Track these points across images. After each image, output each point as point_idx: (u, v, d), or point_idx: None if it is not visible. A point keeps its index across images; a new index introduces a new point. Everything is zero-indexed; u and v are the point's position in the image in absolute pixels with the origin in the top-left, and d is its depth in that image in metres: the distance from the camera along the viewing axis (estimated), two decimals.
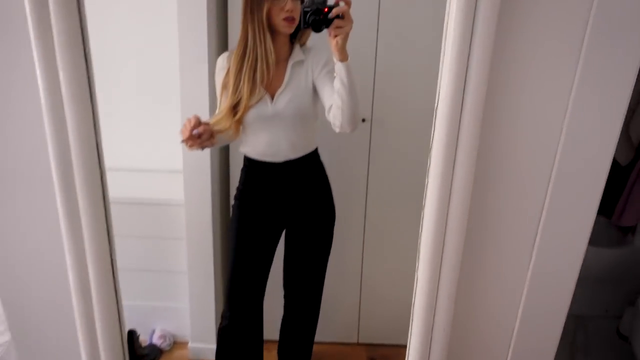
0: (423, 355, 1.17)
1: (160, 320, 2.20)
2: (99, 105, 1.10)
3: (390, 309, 2.14)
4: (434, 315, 1.14)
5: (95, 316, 1.21)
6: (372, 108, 1.88)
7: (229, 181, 2.00)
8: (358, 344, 2.23)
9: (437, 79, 1.01)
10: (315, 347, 1.89)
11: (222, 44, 1.84)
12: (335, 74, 1.35)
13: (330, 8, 1.26)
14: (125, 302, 1.30)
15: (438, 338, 1.16)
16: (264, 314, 1.74)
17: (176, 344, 2.20)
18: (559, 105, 1.02)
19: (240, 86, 1.44)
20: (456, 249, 1.07)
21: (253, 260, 1.62)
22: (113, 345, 1.25)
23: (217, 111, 1.52)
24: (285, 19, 1.39)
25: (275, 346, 1.90)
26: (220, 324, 1.68)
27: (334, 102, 1.39)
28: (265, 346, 1.82)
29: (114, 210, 1.20)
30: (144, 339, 2.13)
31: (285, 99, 1.47)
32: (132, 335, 1.98)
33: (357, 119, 1.41)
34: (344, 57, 1.30)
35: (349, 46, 1.30)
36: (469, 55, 0.93)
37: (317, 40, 1.52)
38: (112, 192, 1.20)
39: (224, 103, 1.48)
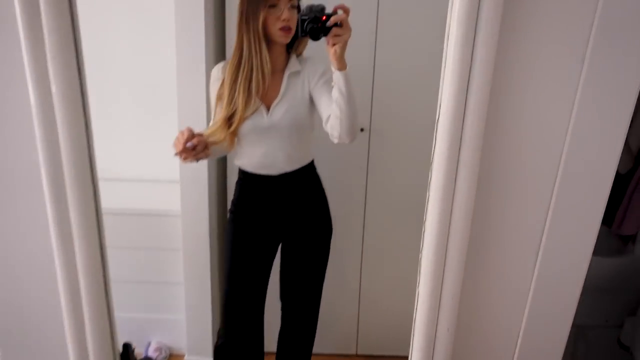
0: None
1: (156, 332, 2.17)
2: (96, 116, 1.09)
3: (389, 320, 2.13)
4: (436, 326, 1.12)
5: (86, 330, 1.18)
6: (370, 117, 1.87)
7: (226, 192, 1.99)
8: (357, 356, 2.22)
9: (437, 87, 0.99)
10: (313, 359, 1.87)
11: (219, 54, 1.83)
12: (333, 84, 1.33)
13: (329, 16, 1.25)
14: (120, 314, 1.28)
15: (440, 349, 1.14)
16: None
17: (172, 356, 2.18)
18: (564, 106, 1.00)
19: (235, 97, 1.42)
20: (459, 257, 1.06)
21: (249, 278, 1.60)
22: None
23: (211, 122, 1.50)
24: (282, 29, 1.38)
25: (273, 358, 1.88)
26: (216, 342, 1.65)
27: (332, 112, 1.37)
28: None
29: (110, 221, 1.18)
30: (139, 352, 2.10)
31: (281, 110, 1.45)
32: (127, 348, 1.95)
33: (356, 129, 1.39)
34: (342, 66, 1.29)
35: (347, 55, 1.29)
36: (472, 55, 0.92)
37: (313, 50, 1.51)
38: (109, 202, 1.18)
39: (219, 114, 1.47)
